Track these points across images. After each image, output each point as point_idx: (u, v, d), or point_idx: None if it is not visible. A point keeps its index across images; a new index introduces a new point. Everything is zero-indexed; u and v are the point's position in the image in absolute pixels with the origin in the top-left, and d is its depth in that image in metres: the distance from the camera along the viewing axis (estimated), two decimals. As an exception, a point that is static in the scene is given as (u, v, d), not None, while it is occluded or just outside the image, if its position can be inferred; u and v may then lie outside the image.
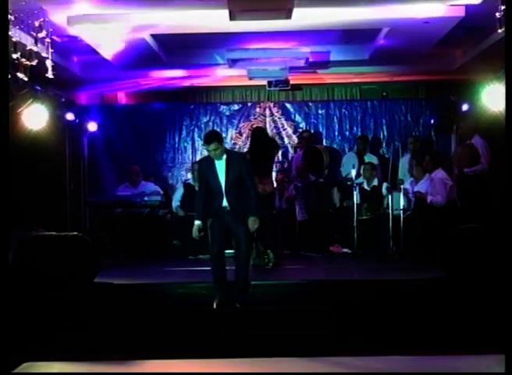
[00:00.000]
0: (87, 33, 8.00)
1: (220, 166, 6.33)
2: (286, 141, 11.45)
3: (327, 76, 10.85)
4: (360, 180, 9.75)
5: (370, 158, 10.57)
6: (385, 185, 9.68)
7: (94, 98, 10.48)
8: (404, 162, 10.27)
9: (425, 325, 5.68)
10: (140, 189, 10.17)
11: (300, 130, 11.23)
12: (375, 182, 9.75)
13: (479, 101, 8.10)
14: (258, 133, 8.79)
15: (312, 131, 11.21)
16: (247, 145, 9.05)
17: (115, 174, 10.88)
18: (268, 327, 5.81)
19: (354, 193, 9.39)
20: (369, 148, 10.83)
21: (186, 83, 11.11)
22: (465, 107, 9.72)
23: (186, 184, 10.27)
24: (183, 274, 7.97)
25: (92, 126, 10.54)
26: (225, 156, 6.31)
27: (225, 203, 6.36)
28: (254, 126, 10.82)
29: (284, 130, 11.49)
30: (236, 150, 11.12)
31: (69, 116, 9.89)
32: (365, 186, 9.68)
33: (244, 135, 11.22)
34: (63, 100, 9.53)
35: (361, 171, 9.78)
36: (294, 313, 6.01)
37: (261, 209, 8.33)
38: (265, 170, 8.44)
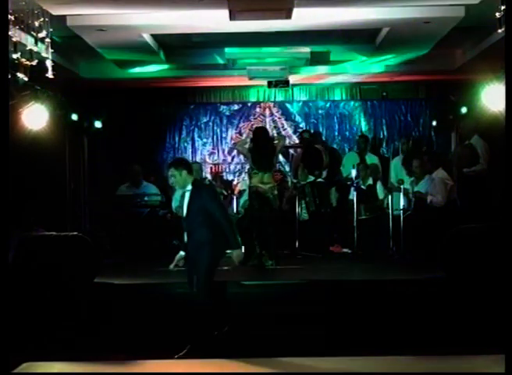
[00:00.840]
0: (87, 33, 8.00)
1: (187, 196, 5.95)
2: (286, 141, 11.45)
3: (327, 76, 10.84)
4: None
5: (370, 157, 10.58)
6: (379, 184, 9.71)
7: (93, 97, 10.46)
8: (396, 163, 10.25)
9: (425, 325, 5.68)
10: (141, 189, 10.17)
11: (300, 130, 11.24)
12: (370, 181, 9.78)
13: (479, 101, 8.10)
14: (259, 134, 8.82)
15: (312, 131, 11.21)
16: (247, 145, 9.06)
17: (116, 174, 10.88)
18: (268, 327, 5.81)
19: (354, 193, 9.40)
20: (369, 147, 10.83)
21: (186, 83, 11.11)
22: (465, 107, 9.73)
23: (185, 184, 10.25)
24: (183, 274, 7.94)
25: (92, 126, 10.54)
26: (190, 187, 5.95)
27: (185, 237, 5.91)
28: (255, 126, 10.87)
29: (284, 130, 11.50)
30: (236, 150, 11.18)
31: (69, 116, 9.89)
32: (362, 185, 9.70)
33: (244, 135, 11.22)
34: (63, 100, 9.52)
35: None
36: (294, 313, 6.02)
37: (261, 209, 8.41)
38: (266, 170, 8.47)
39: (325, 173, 10.45)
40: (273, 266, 8.31)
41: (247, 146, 8.64)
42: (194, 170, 10.00)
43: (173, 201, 10.18)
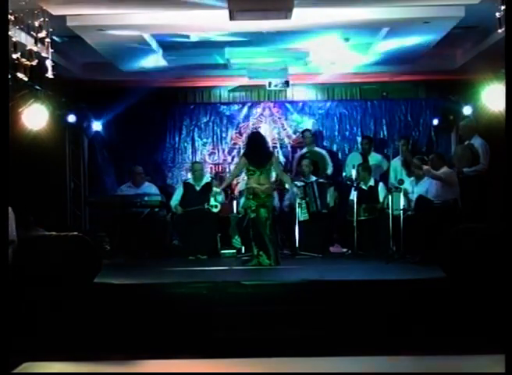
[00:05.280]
0: (87, 33, 8.00)
1: None
2: (286, 141, 11.46)
3: (327, 76, 10.84)
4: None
5: (374, 157, 10.60)
6: (381, 185, 9.71)
7: (94, 97, 10.46)
8: (396, 164, 10.25)
9: (425, 325, 5.68)
10: (141, 189, 10.17)
11: (302, 130, 11.23)
12: (372, 182, 9.77)
13: (479, 101, 8.11)
14: (254, 138, 8.89)
15: (313, 131, 11.19)
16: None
17: (116, 174, 10.89)
18: (268, 327, 5.81)
19: (355, 193, 9.40)
20: (373, 147, 10.83)
21: (187, 83, 11.10)
22: (465, 107, 9.73)
23: (186, 184, 10.25)
24: (183, 274, 7.96)
25: (92, 126, 10.55)
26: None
27: None
28: (253, 129, 10.90)
29: (284, 130, 11.49)
30: (236, 150, 11.21)
31: (70, 116, 9.90)
32: (362, 186, 9.69)
33: (244, 135, 11.21)
34: (63, 100, 9.53)
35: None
36: (294, 313, 6.02)
37: (258, 210, 8.44)
38: (262, 172, 8.50)
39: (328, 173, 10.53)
40: (272, 265, 8.33)
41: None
42: (197, 170, 10.12)
43: (172, 200, 10.16)
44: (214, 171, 11.25)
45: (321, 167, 10.57)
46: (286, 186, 9.89)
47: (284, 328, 5.80)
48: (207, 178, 10.25)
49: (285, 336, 5.63)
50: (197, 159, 11.25)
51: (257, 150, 8.62)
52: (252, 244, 8.52)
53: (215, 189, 9.88)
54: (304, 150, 10.91)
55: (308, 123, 11.42)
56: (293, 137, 11.44)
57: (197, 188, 10.03)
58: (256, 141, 8.76)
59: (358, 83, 11.31)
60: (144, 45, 8.59)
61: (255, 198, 8.45)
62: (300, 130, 11.31)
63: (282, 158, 11.29)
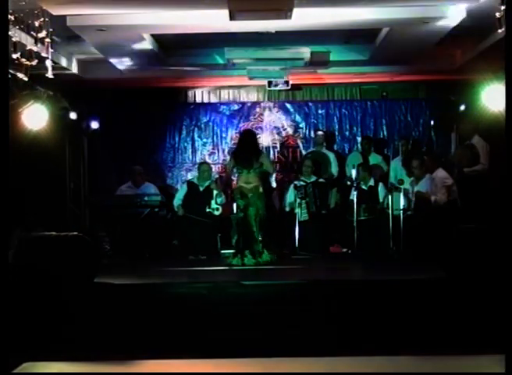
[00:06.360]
0: (87, 33, 8.00)
1: None
2: (286, 141, 11.46)
3: (327, 76, 10.85)
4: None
5: (374, 157, 10.60)
6: (381, 185, 9.71)
7: (93, 97, 10.47)
8: (396, 164, 10.25)
9: (425, 325, 5.68)
10: (141, 189, 10.17)
11: (315, 129, 11.23)
12: (372, 182, 9.78)
13: (479, 101, 8.10)
14: (245, 136, 8.91)
15: (320, 132, 11.14)
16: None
17: (116, 174, 10.88)
18: (268, 327, 5.81)
19: (355, 193, 9.40)
20: (373, 147, 10.84)
21: (187, 83, 11.11)
22: (465, 107, 9.73)
23: (190, 183, 10.22)
24: (183, 274, 7.96)
25: (92, 126, 10.55)
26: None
27: None
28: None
29: (284, 130, 11.50)
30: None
31: (69, 116, 9.89)
32: (362, 186, 9.70)
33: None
34: (63, 100, 9.52)
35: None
36: (294, 313, 6.01)
37: (246, 209, 8.44)
38: (250, 170, 8.48)
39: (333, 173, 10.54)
40: (246, 266, 8.32)
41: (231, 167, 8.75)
42: (206, 171, 10.11)
43: (175, 200, 10.15)
44: (214, 171, 11.25)
45: (324, 168, 10.56)
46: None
47: (284, 328, 5.79)
48: (211, 180, 10.24)
49: (285, 336, 5.62)
50: (197, 159, 11.27)
51: (243, 149, 8.61)
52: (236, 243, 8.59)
53: (215, 190, 9.88)
54: (309, 150, 10.93)
55: (308, 123, 11.43)
56: (293, 137, 11.44)
57: (201, 189, 10.02)
58: (244, 140, 8.75)
59: (358, 83, 11.33)
60: (144, 45, 8.59)
61: (243, 197, 8.44)
62: (300, 130, 11.34)
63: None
